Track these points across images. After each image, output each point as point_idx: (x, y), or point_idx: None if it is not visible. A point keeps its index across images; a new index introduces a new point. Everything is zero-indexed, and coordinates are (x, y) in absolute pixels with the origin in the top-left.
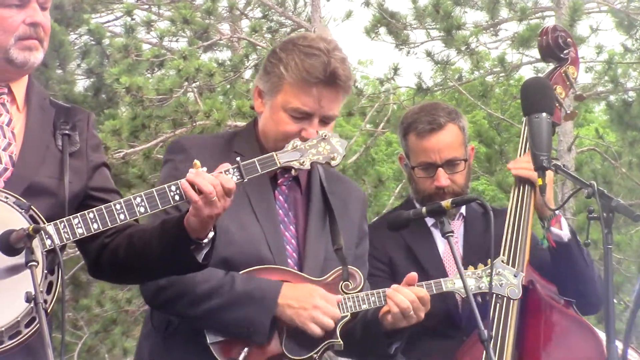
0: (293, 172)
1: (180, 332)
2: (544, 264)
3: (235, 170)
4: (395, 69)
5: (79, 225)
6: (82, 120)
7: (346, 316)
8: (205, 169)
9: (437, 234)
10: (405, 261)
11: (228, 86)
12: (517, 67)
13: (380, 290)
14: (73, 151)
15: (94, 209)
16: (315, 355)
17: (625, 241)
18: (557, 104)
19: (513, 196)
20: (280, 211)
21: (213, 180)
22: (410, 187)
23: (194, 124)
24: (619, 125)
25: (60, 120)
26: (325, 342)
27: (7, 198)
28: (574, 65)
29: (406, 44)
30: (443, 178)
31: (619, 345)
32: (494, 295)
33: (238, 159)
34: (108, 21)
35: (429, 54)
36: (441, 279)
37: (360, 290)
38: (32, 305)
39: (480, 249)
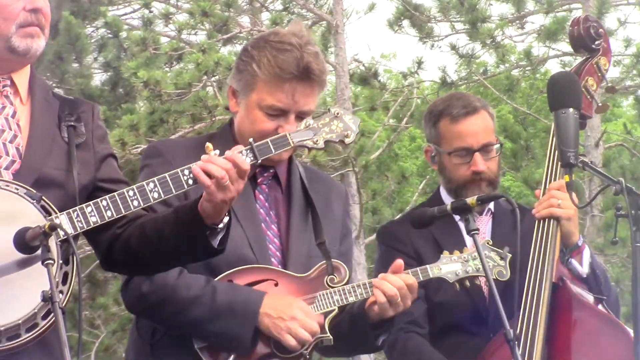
0: (306, 152)
1: (166, 338)
2: None
3: (248, 151)
4: (419, 63)
5: (93, 214)
6: (87, 112)
7: (334, 310)
8: (217, 151)
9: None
10: (433, 255)
11: None
12: (543, 61)
13: (366, 281)
14: (79, 143)
15: (106, 197)
16: (305, 351)
17: None
18: (588, 96)
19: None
20: (261, 210)
21: (225, 164)
22: (442, 177)
23: (213, 119)
24: None
25: (64, 112)
26: (315, 338)
27: (17, 189)
28: (605, 56)
29: (430, 37)
30: (480, 162)
31: None
32: (482, 278)
33: (251, 140)
34: (125, 14)
35: (453, 47)
36: (427, 266)
37: (346, 284)
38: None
39: (508, 245)
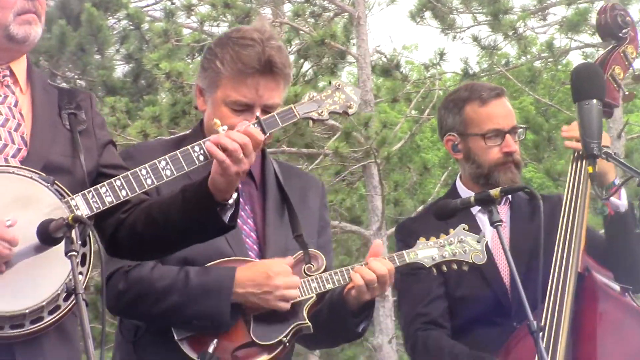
0: (310, 123)
1: (148, 335)
2: (597, 247)
3: (256, 125)
4: (441, 54)
5: (107, 194)
6: (85, 100)
7: (311, 297)
8: (226, 127)
9: (483, 220)
10: None
11: None
12: (565, 52)
13: (343, 268)
14: (81, 130)
15: (119, 177)
16: (284, 339)
17: None
18: (615, 85)
19: (570, 175)
20: None
21: (240, 137)
22: (467, 165)
23: None
24: None
25: (64, 101)
26: (294, 325)
27: (31, 174)
28: (632, 44)
29: (452, 28)
30: (512, 143)
31: None
32: (461, 262)
33: (258, 113)
34: (147, 5)
35: (475, 39)
36: (403, 251)
37: (324, 272)
38: (72, 297)
39: (527, 235)
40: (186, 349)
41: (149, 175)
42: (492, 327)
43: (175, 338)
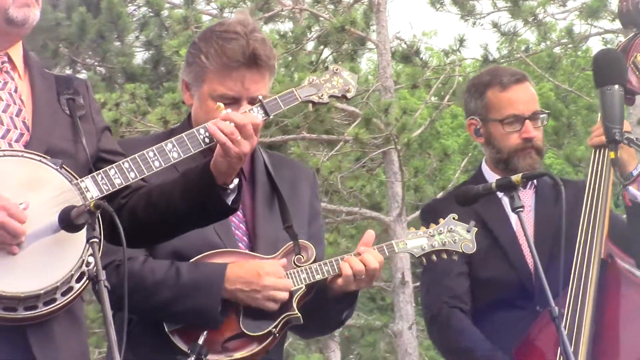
0: (310, 107)
1: (139, 327)
2: (620, 233)
3: (259, 108)
4: (461, 41)
5: (116, 176)
6: (81, 86)
7: (301, 288)
8: (229, 110)
9: (508, 205)
10: (479, 234)
11: (290, 58)
12: (585, 38)
13: (332, 259)
14: (81, 115)
15: (127, 159)
16: (274, 330)
17: None
18: (637, 72)
19: (593, 161)
20: None
21: (239, 118)
22: (488, 149)
23: None
24: None
25: (61, 87)
26: (283, 316)
27: (40, 157)
28: None
29: (472, 14)
30: (531, 129)
31: None
32: (450, 252)
33: (260, 97)
34: None
35: (495, 25)
36: (392, 241)
37: (314, 262)
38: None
39: (551, 220)
40: (177, 340)
41: (156, 157)
42: (514, 311)
43: (166, 330)
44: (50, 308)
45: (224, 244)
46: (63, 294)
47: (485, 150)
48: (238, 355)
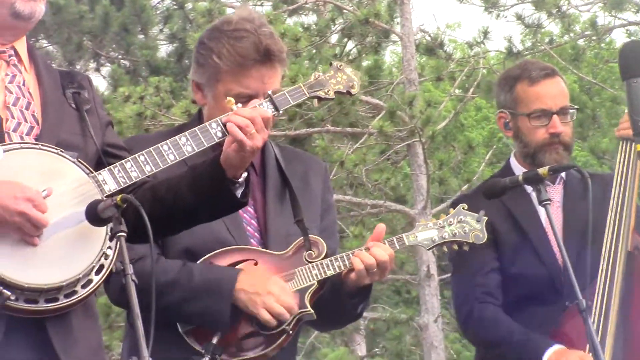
0: (316, 102)
1: (155, 324)
2: None
3: (268, 103)
4: (485, 33)
5: (133, 169)
6: (84, 80)
7: (313, 284)
8: (240, 105)
9: (537, 199)
10: (507, 228)
11: (314, 51)
12: (608, 31)
13: (343, 254)
14: (87, 109)
15: (143, 152)
16: (287, 327)
17: None
18: None
19: (619, 154)
20: None
21: (251, 113)
22: (516, 143)
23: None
24: None
25: (65, 80)
26: (297, 313)
27: (57, 150)
28: None
29: (496, 6)
30: (559, 124)
31: None
32: (461, 242)
33: (269, 92)
34: None
35: (519, 17)
36: (403, 234)
37: (325, 258)
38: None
39: (579, 214)
40: (191, 340)
41: (171, 151)
42: (544, 306)
43: (180, 330)
44: (71, 300)
45: (235, 241)
46: (83, 287)
47: (514, 143)
48: (252, 354)
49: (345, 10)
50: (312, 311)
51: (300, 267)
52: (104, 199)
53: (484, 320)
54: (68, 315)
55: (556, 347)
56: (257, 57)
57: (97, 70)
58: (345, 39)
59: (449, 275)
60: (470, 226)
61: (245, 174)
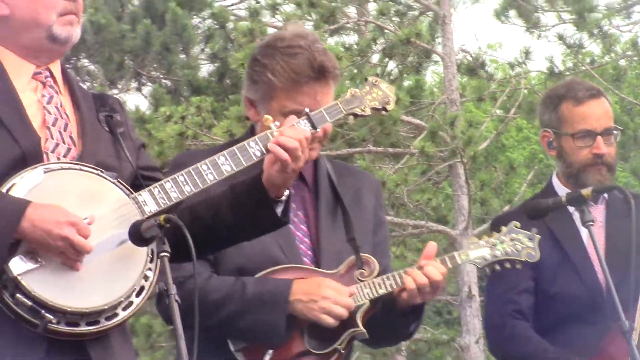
0: (352, 119)
1: (206, 343)
2: None
3: (306, 121)
4: (527, 53)
5: (172, 189)
6: (116, 104)
7: (365, 303)
8: (277, 123)
9: (579, 220)
10: (548, 248)
11: (355, 71)
12: None
13: (395, 273)
14: (121, 132)
15: (182, 172)
16: (339, 347)
17: None
18: None
19: None
20: None
21: (296, 134)
22: (560, 163)
23: None
24: None
25: (97, 103)
26: (348, 332)
27: (97, 171)
28: None
29: (537, 27)
30: (602, 145)
31: None
32: (514, 261)
33: (307, 109)
34: (232, 4)
35: (560, 37)
36: (454, 252)
37: (377, 276)
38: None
39: (622, 234)
40: (242, 358)
41: (210, 170)
42: (585, 326)
43: (231, 349)
44: (112, 323)
45: (287, 259)
46: (124, 309)
47: (556, 163)
48: None
49: (386, 30)
50: (364, 330)
51: (352, 286)
52: (146, 219)
53: (515, 336)
54: (108, 337)
55: None
56: (311, 74)
57: (139, 89)
58: (387, 59)
59: None
60: (522, 244)
61: (287, 192)
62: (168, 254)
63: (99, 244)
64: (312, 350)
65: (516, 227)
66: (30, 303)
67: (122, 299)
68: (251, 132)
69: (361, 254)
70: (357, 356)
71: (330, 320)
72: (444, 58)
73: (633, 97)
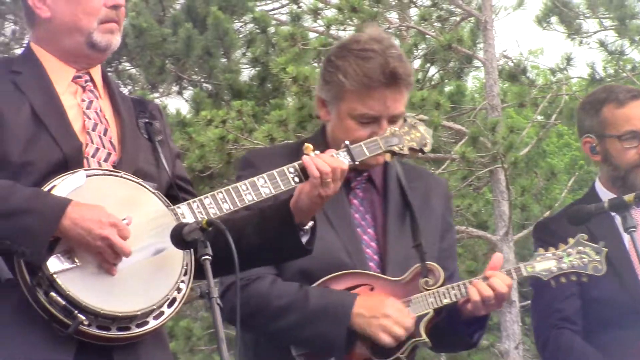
0: (389, 157)
1: (269, 347)
2: None
3: (345, 153)
4: (568, 59)
5: (211, 206)
6: (156, 110)
7: (428, 312)
8: (317, 152)
9: (622, 225)
10: None
11: None
12: None
13: (460, 283)
14: (160, 139)
15: (222, 190)
16: (401, 355)
17: None
18: None
19: None
20: (356, 215)
21: (331, 161)
22: (605, 167)
23: None
24: None
25: (137, 109)
26: (411, 341)
27: (137, 179)
28: None
29: (578, 33)
30: None
31: None
32: (580, 274)
33: (347, 142)
34: (273, 9)
35: (601, 44)
36: (520, 264)
37: (442, 285)
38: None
39: None
40: None
41: (249, 191)
42: (626, 331)
43: (293, 354)
44: (142, 331)
45: (352, 263)
46: (155, 318)
47: (601, 168)
48: None
49: (427, 36)
50: (428, 339)
51: (417, 295)
52: (189, 222)
53: (559, 348)
54: (136, 345)
55: None
56: (382, 79)
57: (180, 93)
58: (428, 64)
59: (529, 301)
60: (589, 257)
61: (311, 223)
62: (210, 257)
63: (135, 251)
64: (375, 359)
65: (583, 239)
66: (63, 302)
67: (155, 307)
68: (322, 132)
69: (427, 262)
70: None
71: (387, 340)
72: (485, 64)
73: None
